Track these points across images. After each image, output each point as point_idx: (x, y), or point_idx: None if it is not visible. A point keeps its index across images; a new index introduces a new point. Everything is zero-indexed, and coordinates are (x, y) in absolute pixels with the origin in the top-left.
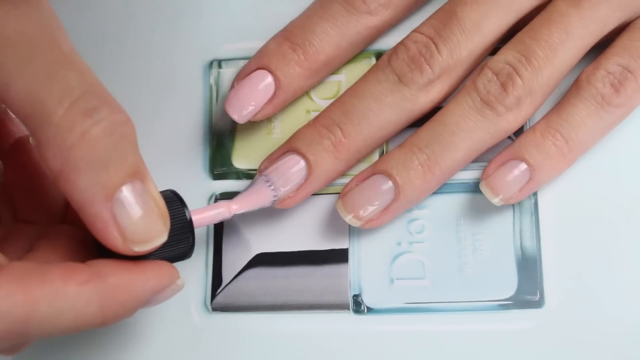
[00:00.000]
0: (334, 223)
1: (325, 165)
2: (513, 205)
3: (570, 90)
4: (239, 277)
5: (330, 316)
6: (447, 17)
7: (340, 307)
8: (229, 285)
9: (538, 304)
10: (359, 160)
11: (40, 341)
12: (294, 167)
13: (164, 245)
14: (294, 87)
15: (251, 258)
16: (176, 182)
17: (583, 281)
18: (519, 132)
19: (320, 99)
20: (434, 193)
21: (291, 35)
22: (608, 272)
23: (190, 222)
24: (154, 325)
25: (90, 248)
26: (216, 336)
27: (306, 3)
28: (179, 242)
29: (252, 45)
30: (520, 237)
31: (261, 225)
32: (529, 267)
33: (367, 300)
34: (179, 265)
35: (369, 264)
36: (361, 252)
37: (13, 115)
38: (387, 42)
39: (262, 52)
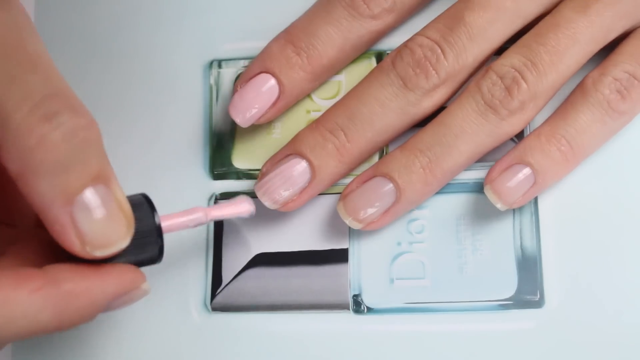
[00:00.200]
0: (334, 223)
1: (328, 169)
2: None
3: (575, 95)
4: (239, 277)
5: (330, 316)
6: (453, 21)
7: (340, 307)
8: (228, 285)
9: (538, 304)
10: (361, 163)
11: (39, 341)
12: (298, 171)
13: (131, 250)
14: (297, 91)
15: (251, 258)
16: (176, 182)
17: (583, 281)
18: (519, 133)
19: (320, 99)
20: (434, 193)
21: (294, 39)
22: (608, 272)
23: (159, 226)
24: (153, 325)
25: (61, 252)
26: (216, 336)
27: (306, 3)
28: (146, 247)
29: (252, 45)
30: (520, 237)
31: (261, 225)
32: (529, 267)
33: (367, 300)
34: (176, 265)
35: (369, 264)
36: (361, 252)
37: None
38: (388, 43)
39: (265, 55)
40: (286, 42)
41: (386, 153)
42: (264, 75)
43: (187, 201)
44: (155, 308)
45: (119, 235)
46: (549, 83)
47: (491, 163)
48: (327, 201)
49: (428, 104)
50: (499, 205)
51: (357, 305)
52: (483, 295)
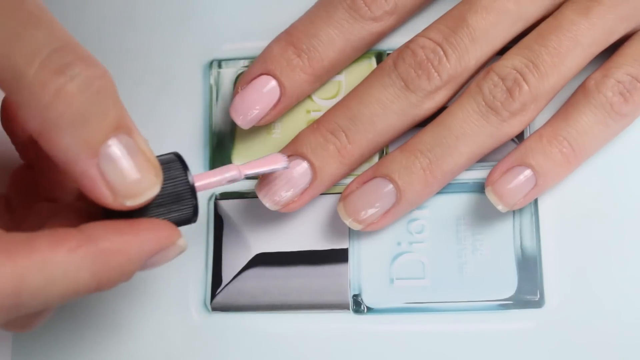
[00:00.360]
0: (334, 223)
1: (329, 170)
2: None
3: (577, 97)
4: (239, 277)
5: (330, 316)
6: (456, 23)
7: (340, 307)
8: (228, 285)
9: (538, 304)
10: (362, 164)
11: (39, 341)
12: (299, 172)
13: (165, 210)
14: (298, 92)
15: (251, 258)
16: None
17: (583, 281)
18: (519, 134)
19: (320, 99)
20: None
21: (295, 41)
22: (608, 272)
23: (193, 185)
24: (153, 324)
25: (98, 217)
26: (216, 336)
27: (307, 3)
28: (181, 207)
29: (252, 45)
30: (520, 237)
31: (261, 225)
32: (529, 267)
33: (367, 300)
34: (176, 265)
35: (369, 264)
36: (361, 252)
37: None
38: (388, 43)
39: (266, 56)
40: (287, 43)
41: (386, 153)
42: (264, 77)
43: None
44: (155, 308)
45: (148, 182)
46: (550, 85)
47: (491, 163)
48: (327, 201)
49: (429, 106)
50: (500, 207)
51: (357, 305)
52: (483, 295)
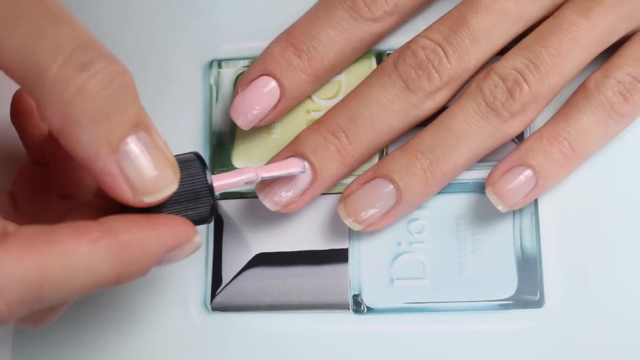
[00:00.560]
0: (334, 223)
1: (330, 170)
2: None
3: (577, 97)
4: (239, 277)
5: (330, 316)
6: (456, 24)
7: (340, 307)
8: (228, 285)
9: (538, 304)
10: (362, 164)
11: (39, 340)
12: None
13: (182, 208)
14: (298, 93)
15: (251, 258)
16: None
17: (583, 281)
18: (519, 134)
19: (320, 99)
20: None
21: (295, 41)
22: (608, 272)
23: (211, 185)
24: (153, 324)
25: (115, 213)
26: (216, 336)
27: (307, 4)
28: (198, 205)
29: (252, 45)
30: (520, 237)
31: (261, 225)
32: (529, 267)
33: (367, 300)
34: (177, 265)
35: (369, 264)
36: (361, 252)
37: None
38: (388, 43)
39: (266, 57)
40: (287, 44)
41: (386, 154)
42: (265, 77)
43: None
44: (156, 308)
45: (166, 179)
46: (550, 85)
47: (491, 163)
48: (327, 201)
49: (430, 106)
50: (500, 207)
51: (357, 305)
52: (483, 295)
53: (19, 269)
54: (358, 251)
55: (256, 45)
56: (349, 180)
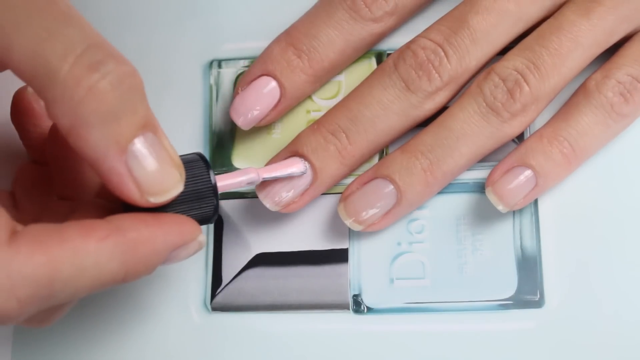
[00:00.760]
0: (334, 223)
1: (330, 170)
2: None
3: (578, 97)
4: (239, 277)
5: (330, 316)
6: (457, 24)
7: (340, 307)
8: (228, 285)
9: (538, 304)
10: (362, 164)
11: (39, 341)
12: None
13: (186, 208)
14: (298, 93)
15: (251, 258)
16: None
17: (583, 281)
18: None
19: (320, 99)
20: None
21: (296, 41)
22: (608, 272)
23: (215, 185)
24: (153, 325)
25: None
26: (216, 336)
27: (307, 4)
28: (202, 205)
29: (252, 45)
30: (520, 237)
31: (261, 225)
32: (529, 267)
33: (367, 300)
34: (177, 265)
35: (369, 264)
36: (361, 252)
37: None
38: (387, 43)
39: (266, 57)
40: (287, 44)
41: (386, 154)
42: (265, 77)
43: None
44: (155, 308)
45: (173, 180)
46: (551, 86)
47: (491, 163)
48: (327, 201)
49: (430, 106)
50: (500, 208)
51: (357, 305)
52: (483, 295)
53: (30, 266)
54: (358, 251)
55: (256, 45)
56: (349, 181)
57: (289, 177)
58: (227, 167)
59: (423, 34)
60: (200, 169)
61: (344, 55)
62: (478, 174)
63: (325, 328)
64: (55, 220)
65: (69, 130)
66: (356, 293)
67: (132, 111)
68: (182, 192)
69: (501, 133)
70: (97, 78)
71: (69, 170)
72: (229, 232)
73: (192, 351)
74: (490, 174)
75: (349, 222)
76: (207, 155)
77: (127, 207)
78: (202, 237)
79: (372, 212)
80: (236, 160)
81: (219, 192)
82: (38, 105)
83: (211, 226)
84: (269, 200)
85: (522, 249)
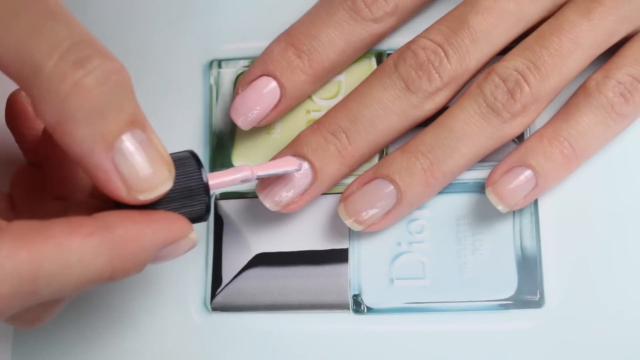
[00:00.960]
0: (334, 223)
1: (330, 171)
2: None
3: (578, 97)
4: (239, 277)
5: (330, 316)
6: (457, 24)
7: (340, 307)
8: (228, 285)
9: (538, 304)
10: (362, 164)
11: (39, 340)
12: (299, 172)
13: (178, 206)
14: (298, 93)
15: (251, 258)
16: None
17: (583, 281)
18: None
19: (320, 99)
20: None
21: (296, 41)
22: (608, 272)
23: (206, 183)
24: (153, 324)
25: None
26: (216, 336)
27: (307, 4)
28: (194, 204)
29: (252, 45)
30: (520, 237)
31: (261, 225)
32: (529, 267)
33: (367, 300)
34: (176, 265)
35: (369, 264)
36: (361, 252)
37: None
38: (388, 43)
39: (266, 57)
40: (287, 44)
41: (386, 154)
42: (265, 78)
43: None
44: (155, 308)
45: (161, 177)
46: (551, 86)
47: (491, 163)
48: (328, 201)
49: (430, 107)
50: (500, 208)
51: (357, 305)
52: (483, 295)
53: (12, 262)
54: (358, 251)
55: (256, 45)
56: (349, 181)
57: (289, 178)
58: (227, 167)
59: (423, 34)
60: (191, 167)
61: (344, 55)
62: (478, 174)
63: (325, 328)
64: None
65: (55, 126)
66: (356, 293)
67: (119, 107)
68: (172, 190)
69: (501, 133)
70: (83, 74)
71: (62, 171)
72: (229, 232)
73: (192, 351)
74: (490, 174)
75: (349, 222)
76: (207, 156)
77: (118, 206)
78: (194, 235)
79: (372, 212)
80: (236, 161)
81: (212, 190)
82: (31, 108)
83: (211, 226)
84: (269, 200)
85: (522, 249)
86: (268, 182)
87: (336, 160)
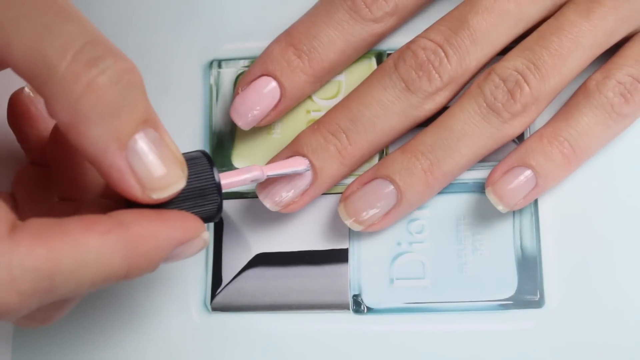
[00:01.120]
0: (334, 223)
1: (330, 171)
2: None
3: (578, 97)
4: (239, 277)
5: (330, 316)
6: (457, 24)
7: (340, 307)
8: (228, 285)
9: (538, 304)
10: (362, 164)
11: (39, 340)
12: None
13: (190, 205)
14: (298, 93)
15: (251, 258)
16: None
17: (583, 281)
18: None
19: (320, 99)
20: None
21: (296, 41)
22: (608, 272)
23: (218, 183)
24: (154, 324)
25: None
26: (216, 336)
27: (307, 4)
28: (205, 203)
29: (252, 45)
30: (520, 237)
31: (261, 225)
32: (529, 267)
33: (367, 300)
34: (177, 265)
35: (369, 264)
36: (361, 252)
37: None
38: (388, 43)
39: (266, 57)
40: (287, 44)
41: (386, 154)
42: (265, 78)
43: None
44: (156, 308)
45: (175, 176)
46: (551, 86)
47: (491, 163)
48: (328, 201)
49: (430, 107)
50: (500, 208)
51: (357, 305)
52: (483, 295)
53: (31, 259)
54: (358, 251)
55: (256, 45)
56: (349, 181)
57: (289, 177)
58: (227, 167)
59: (423, 34)
60: (204, 166)
61: (344, 55)
62: (478, 174)
63: (325, 328)
64: None
65: (69, 126)
66: (356, 293)
67: (132, 107)
68: (185, 189)
69: (501, 133)
70: (96, 73)
71: (72, 171)
72: (229, 232)
73: (192, 351)
74: (490, 174)
75: (349, 222)
76: None
77: (130, 205)
78: (206, 235)
79: (372, 212)
80: (236, 161)
81: (223, 190)
82: (34, 107)
83: (211, 226)
84: (269, 200)
85: (522, 249)
86: (268, 182)
87: (336, 160)
